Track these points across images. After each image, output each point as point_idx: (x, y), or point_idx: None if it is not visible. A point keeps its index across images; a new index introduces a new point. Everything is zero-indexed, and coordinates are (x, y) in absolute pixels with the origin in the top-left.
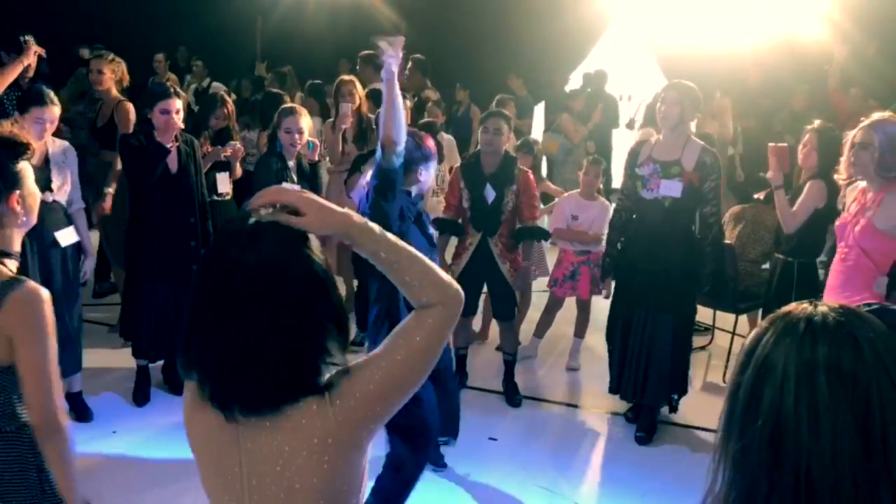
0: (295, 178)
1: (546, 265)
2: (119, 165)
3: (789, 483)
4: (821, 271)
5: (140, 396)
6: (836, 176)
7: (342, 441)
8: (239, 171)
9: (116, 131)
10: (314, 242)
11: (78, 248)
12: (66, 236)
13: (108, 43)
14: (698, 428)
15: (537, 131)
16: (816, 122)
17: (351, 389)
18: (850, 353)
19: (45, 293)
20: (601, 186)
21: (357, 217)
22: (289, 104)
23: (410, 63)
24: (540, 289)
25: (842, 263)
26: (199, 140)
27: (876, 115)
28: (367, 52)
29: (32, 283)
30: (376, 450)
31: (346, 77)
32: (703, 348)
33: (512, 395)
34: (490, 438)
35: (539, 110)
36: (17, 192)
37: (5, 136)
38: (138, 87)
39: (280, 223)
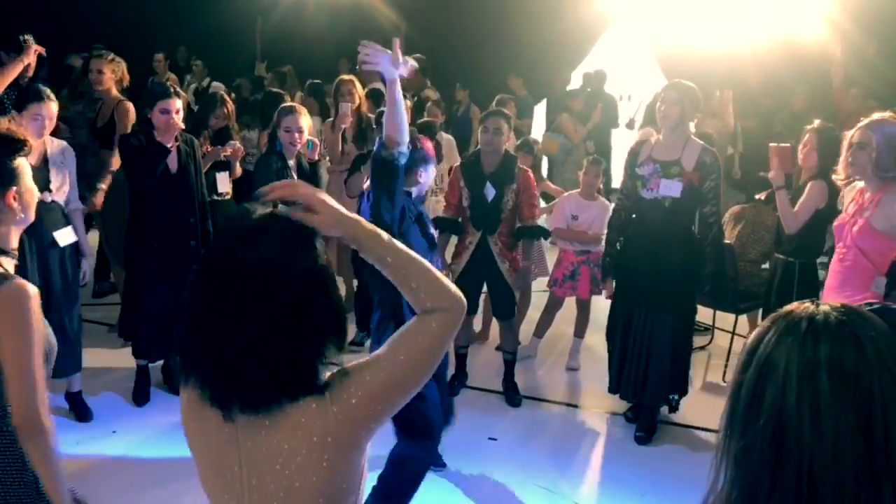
0: (295, 178)
1: (546, 265)
2: (114, 163)
3: (791, 482)
4: (821, 272)
5: (140, 396)
6: (833, 176)
7: (342, 440)
8: (239, 171)
9: (116, 131)
10: (320, 242)
11: (76, 248)
12: (64, 236)
13: (107, 43)
14: (698, 428)
15: (538, 131)
16: (816, 122)
17: (352, 388)
18: (852, 352)
19: (33, 290)
20: (601, 186)
21: (366, 222)
22: (288, 103)
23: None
24: (540, 289)
25: (840, 264)
26: (198, 140)
27: (876, 116)
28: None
29: (21, 280)
30: (377, 448)
31: (345, 77)
32: (703, 348)
33: (512, 394)
34: (490, 438)
35: (540, 110)
36: (14, 188)
37: (2, 132)
38: (138, 86)
39: (288, 219)
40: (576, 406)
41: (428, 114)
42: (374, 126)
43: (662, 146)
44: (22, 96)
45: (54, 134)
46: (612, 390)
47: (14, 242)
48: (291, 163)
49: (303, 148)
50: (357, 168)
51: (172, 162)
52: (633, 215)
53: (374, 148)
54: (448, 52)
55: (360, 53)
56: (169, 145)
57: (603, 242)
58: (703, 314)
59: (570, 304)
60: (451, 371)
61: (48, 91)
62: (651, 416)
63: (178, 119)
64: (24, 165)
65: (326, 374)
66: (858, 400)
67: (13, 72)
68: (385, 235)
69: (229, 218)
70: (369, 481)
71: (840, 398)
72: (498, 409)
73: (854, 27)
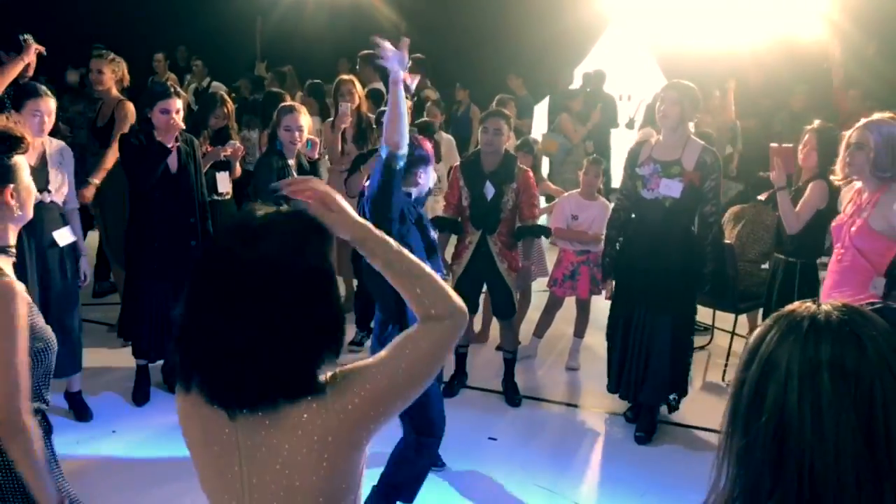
0: (296, 176)
1: (545, 265)
2: (109, 160)
3: (792, 480)
4: (822, 272)
5: (140, 396)
6: (831, 177)
7: (342, 439)
8: (238, 171)
9: (115, 130)
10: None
11: (73, 248)
12: (62, 236)
13: (107, 43)
14: (698, 427)
15: (540, 131)
16: (816, 122)
17: (354, 389)
18: (854, 352)
19: (20, 287)
20: (601, 186)
21: (376, 229)
22: (288, 102)
23: (410, 63)
24: (540, 288)
25: (838, 264)
26: (198, 140)
27: (876, 116)
28: (366, 51)
29: (7, 279)
30: (377, 446)
31: (345, 76)
32: (702, 348)
33: (512, 394)
34: (490, 438)
35: (542, 110)
36: (12, 185)
37: (0, 129)
38: (138, 86)
39: (290, 220)
40: (576, 406)
41: (427, 114)
42: (374, 126)
43: (663, 146)
44: (18, 94)
45: (54, 134)
46: (611, 390)
47: (11, 240)
48: (292, 162)
49: (302, 147)
50: (357, 168)
51: (172, 162)
52: (633, 215)
53: (381, 154)
54: (448, 52)
55: (377, 48)
56: (169, 145)
57: (602, 243)
58: (703, 314)
59: (569, 303)
60: (450, 371)
61: (44, 87)
62: (651, 415)
63: (179, 119)
64: (21, 162)
65: (328, 374)
66: (860, 399)
67: (13, 71)
68: (393, 243)
69: (231, 217)
70: (369, 479)
71: (841, 397)
72: (498, 408)
73: (853, 27)
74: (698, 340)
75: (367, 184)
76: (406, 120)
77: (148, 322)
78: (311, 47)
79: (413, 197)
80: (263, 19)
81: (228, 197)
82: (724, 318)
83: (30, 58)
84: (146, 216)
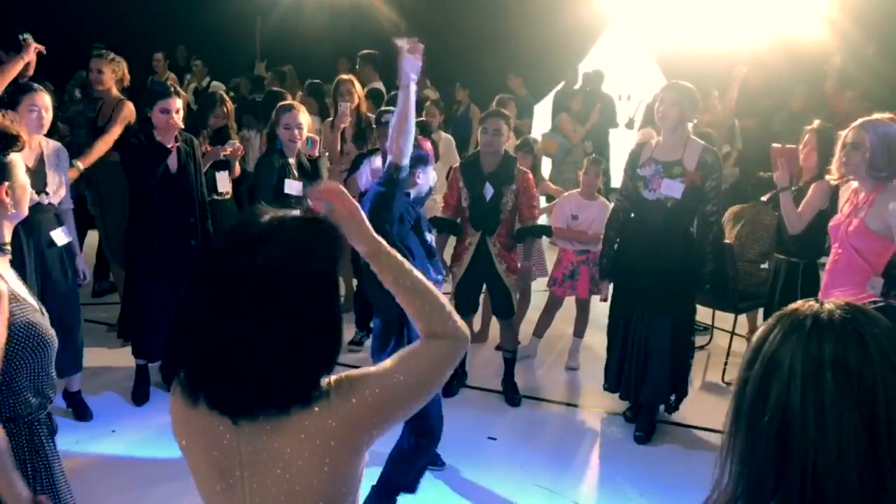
0: (297, 175)
1: (545, 265)
2: (99, 148)
3: (796, 478)
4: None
5: (139, 396)
6: (827, 176)
7: (344, 445)
8: (238, 170)
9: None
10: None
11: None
12: (59, 236)
13: (107, 42)
14: (697, 427)
15: (541, 131)
16: (816, 123)
17: (358, 394)
18: (856, 351)
19: (3, 289)
20: (601, 186)
21: (389, 247)
22: (287, 101)
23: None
24: (540, 288)
25: (835, 264)
26: (198, 139)
27: (876, 116)
28: (366, 51)
29: None
30: (377, 446)
31: (344, 76)
32: (702, 348)
33: (511, 394)
34: (489, 438)
35: (542, 110)
36: (7, 183)
37: None
38: (137, 86)
39: (293, 226)
40: (575, 406)
41: (427, 114)
42: (374, 125)
43: (663, 147)
44: (13, 94)
45: (52, 134)
46: (609, 389)
47: (7, 237)
48: (292, 161)
49: (302, 145)
50: (356, 167)
51: (172, 162)
52: (633, 215)
53: (385, 169)
54: (448, 52)
55: (400, 46)
56: (169, 145)
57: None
58: (703, 314)
59: (569, 303)
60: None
61: (36, 84)
62: (650, 415)
63: (179, 119)
64: (16, 160)
65: (332, 379)
66: (862, 398)
67: (13, 70)
68: (405, 261)
69: (235, 219)
70: (369, 479)
71: (844, 396)
72: (497, 408)
73: (853, 27)
74: (698, 340)
75: (363, 177)
76: (412, 132)
77: (148, 322)
78: (310, 47)
79: (412, 197)
80: (263, 19)
81: (228, 196)
82: (724, 318)
83: (29, 57)
84: (146, 216)
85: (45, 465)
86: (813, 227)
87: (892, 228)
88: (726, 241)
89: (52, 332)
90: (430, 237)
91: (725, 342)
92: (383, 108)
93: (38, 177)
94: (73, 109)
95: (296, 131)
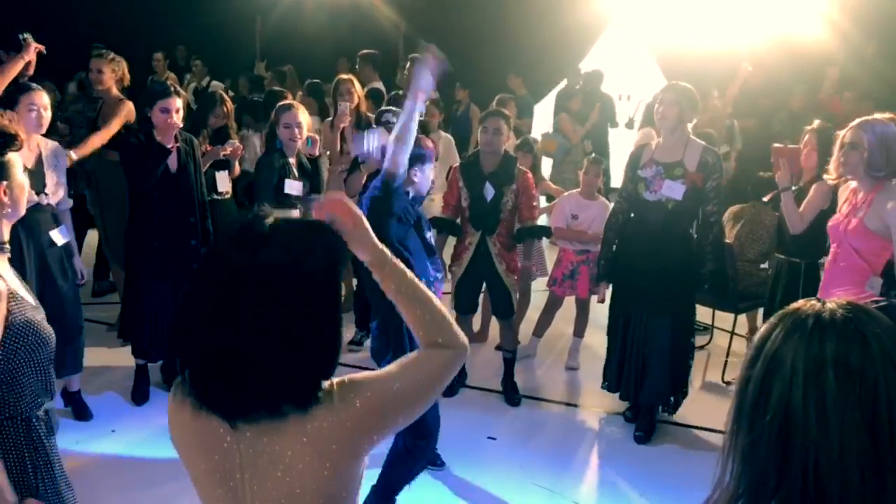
0: (297, 175)
1: (545, 265)
2: (94, 141)
3: (797, 477)
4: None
5: (139, 396)
6: (825, 176)
7: (345, 448)
8: (238, 170)
9: (117, 130)
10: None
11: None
12: (58, 236)
13: (107, 42)
14: (697, 427)
15: (541, 130)
16: (816, 123)
17: (361, 398)
18: (858, 349)
19: (1, 288)
20: (601, 186)
21: (392, 256)
22: (286, 101)
23: (409, 63)
24: (540, 288)
25: (834, 264)
26: (197, 139)
27: (876, 116)
28: (366, 51)
29: None
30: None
31: (344, 76)
32: (701, 348)
33: (511, 394)
34: (489, 437)
35: (542, 110)
36: (5, 182)
37: None
38: (137, 86)
39: (295, 228)
40: (575, 405)
41: (426, 113)
42: (374, 125)
43: (663, 148)
44: (11, 94)
45: (52, 134)
46: (609, 388)
47: (5, 236)
48: (292, 160)
49: (302, 145)
50: (356, 167)
51: (172, 161)
52: (632, 214)
53: (380, 178)
54: (448, 52)
55: (429, 51)
56: (169, 146)
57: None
58: (703, 314)
59: (569, 303)
60: None
61: (35, 84)
62: (650, 415)
63: (178, 118)
64: (15, 159)
65: (335, 382)
66: (864, 397)
67: (14, 70)
68: (408, 272)
69: (240, 224)
70: (368, 479)
71: (846, 395)
72: (497, 408)
73: (853, 27)
74: (698, 340)
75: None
76: (410, 147)
77: (148, 322)
78: (310, 47)
79: (411, 196)
80: (263, 19)
81: (228, 196)
82: (724, 318)
83: (30, 56)
84: (146, 216)
85: (45, 462)
86: (814, 227)
87: (890, 228)
88: (726, 240)
89: (50, 329)
90: (431, 235)
91: (725, 342)
92: (383, 107)
93: (37, 178)
94: (73, 109)
95: (296, 130)
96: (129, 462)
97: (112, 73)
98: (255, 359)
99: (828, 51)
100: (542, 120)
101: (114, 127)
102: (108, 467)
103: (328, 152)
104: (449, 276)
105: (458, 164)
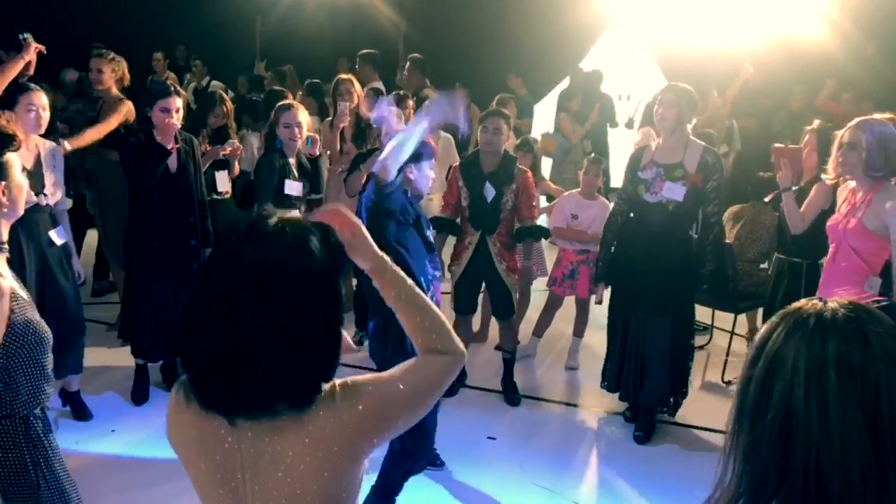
0: (297, 175)
1: (545, 265)
2: (89, 135)
3: (798, 476)
4: None
5: (139, 395)
6: (823, 176)
7: (345, 450)
8: (237, 170)
9: (117, 130)
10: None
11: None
12: (56, 236)
13: (107, 42)
14: (697, 427)
15: (541, 130)
16: (816, 123)
17: (363, 400)
18: (860, 349)
19: (4, 286)
20: (601, 185)
21: (392, 263)
22: (286, 101)
23: (409, 63)
24: (539, 288)
25: (833, 264)
26: (197, 139)
27: (875, 116)
28: (366, 51)
29: None
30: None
31: (343, 76)
32: (701, 348)
33: (511, 394)
34: (489, 437)
35: (542, 110)
36: (3, 183)
37: None
38: (137, 86)
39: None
40: (575, 405)
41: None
42: (373, 125)
43: (663, 149)
44: (10, 94)
45: (50, 134)
46: (609, 388)
47: (4, 236)
48: (292, 160)
49: (302, 144)
50: (356, 167)
51: (172, 162)
52: (632, 214)
53: (371, 185)
54: (448, 52)
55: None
56: (169, 146)
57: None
58: (703, 314)
59: (569, 303)
60: None
61: (33, 84)
62: (650, 415)
63: (178, 118)
64: (13, 160)
65: (337, 383)
66: (865, 396)
67: (14, 70)
68: (408, 279)
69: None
70: (368, 480)
71: (847, 394)
72: (497, 408)
73: (853, 27)
74: (698, 340)
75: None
76: (400, 162)
77: (148, 322)
78: (310, 47)
79: (409, 195)
80: (263, 19)
81: (227, 196)
82: (724, 318)
83: (30, 56)
84: (146, 216)
85: (45, 459)
86: (815, 227)
87: (889, 228)
88: (726, 241)
89: (47, 329)
90: (430, 234)
91: (725, 342)
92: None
93: (36, 178)
94: (73, 109)
95: (295, 130)
96: (129, 462)
97: (112, 73)
98: (256, 359)
99: (828, 51)
100: (542, 120)
101: (112, 123)
102: (108, 467)
103: (328, 152)
104: (448, 275)
105: (457, 163)
